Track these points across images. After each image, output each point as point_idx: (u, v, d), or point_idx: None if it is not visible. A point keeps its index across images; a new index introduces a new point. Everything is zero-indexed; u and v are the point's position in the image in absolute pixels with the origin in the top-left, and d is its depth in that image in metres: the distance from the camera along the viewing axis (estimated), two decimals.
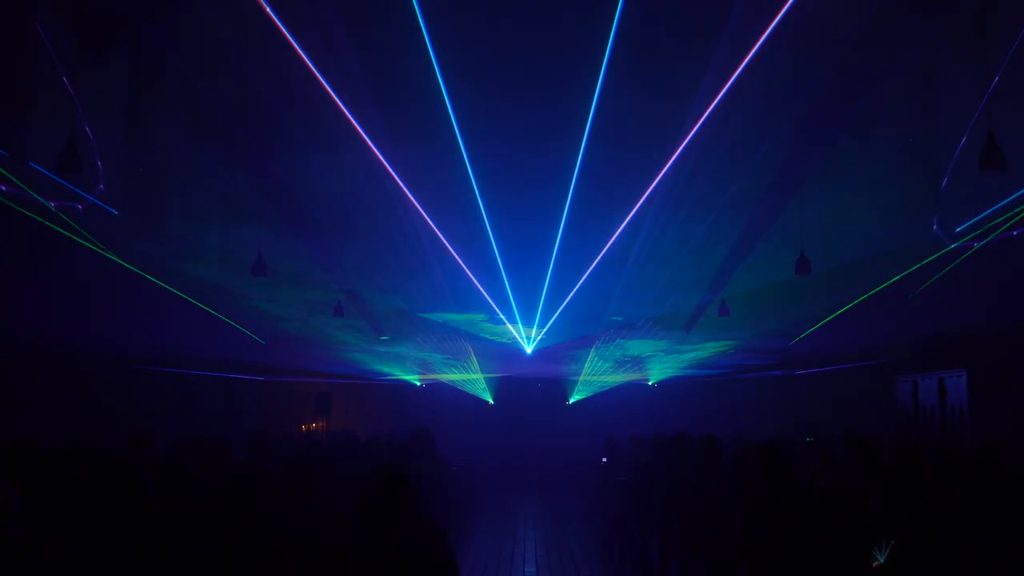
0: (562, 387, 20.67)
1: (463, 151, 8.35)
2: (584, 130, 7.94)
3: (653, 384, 20.51)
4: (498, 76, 7.26)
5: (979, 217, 8.52)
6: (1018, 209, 7.87)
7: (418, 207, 9.61)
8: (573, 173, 8.81)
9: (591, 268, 11.71)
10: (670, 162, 8.29)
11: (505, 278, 12.49)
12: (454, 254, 11.29)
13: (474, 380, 19.80)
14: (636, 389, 20.35)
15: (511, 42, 6.83)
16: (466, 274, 12.05)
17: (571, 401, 20.56)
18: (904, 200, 8.99)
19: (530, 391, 20.66)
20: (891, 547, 3.84)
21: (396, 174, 8.71)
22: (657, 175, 8.70)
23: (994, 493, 3.79)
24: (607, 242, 10.74)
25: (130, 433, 7.20)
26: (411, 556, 3.26)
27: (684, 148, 8.01)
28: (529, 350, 18.28)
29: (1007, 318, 10.71)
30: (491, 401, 20.50)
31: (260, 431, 8.19)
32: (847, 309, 12.23)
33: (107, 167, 7.71)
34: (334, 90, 7.14)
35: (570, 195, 9.35)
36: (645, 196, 9.24)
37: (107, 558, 3.00)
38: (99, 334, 12.54)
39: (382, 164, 8.43)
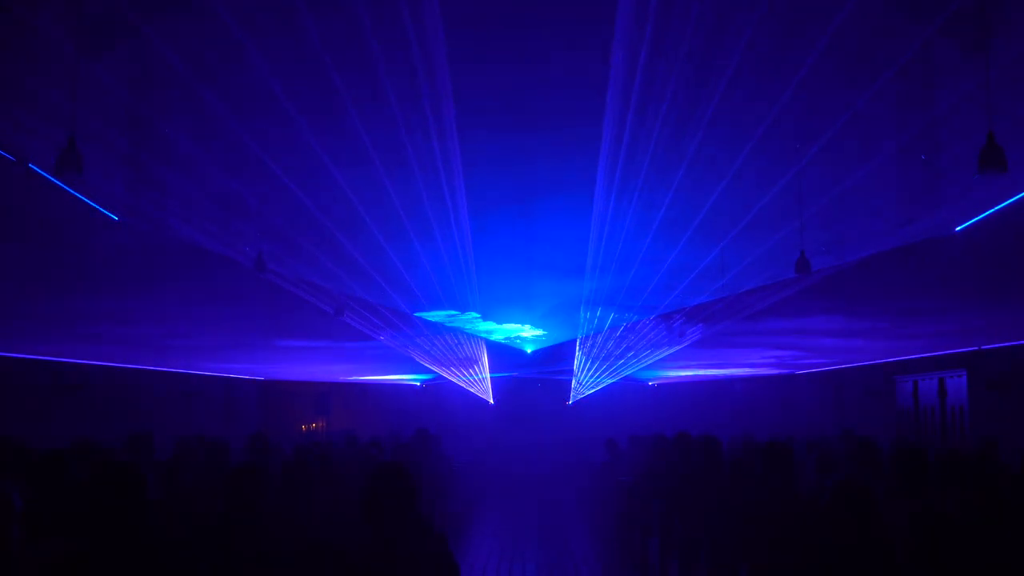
0: (562, 387, 20.66)
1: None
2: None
3: (653, 384, 20.50)
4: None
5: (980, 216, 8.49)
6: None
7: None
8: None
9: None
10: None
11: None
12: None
13: (474, 380, 19.80)
14: (636, 389, 20.34)
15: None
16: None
17: (571, 401, 20.54)
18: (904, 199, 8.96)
19: (530, 391, 20.64)
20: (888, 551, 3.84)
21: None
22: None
23: (994, 493, 3.79)
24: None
25: (130, 433, 7.19)
26: (411, 556, 3.27)
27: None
28: (529, 350, 18.29)
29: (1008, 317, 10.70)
30: (491, 401, 20.49)
31: (260, 431, 8.19)
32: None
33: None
34: None
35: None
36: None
37: (107, 558, 3.00)
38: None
39: None
